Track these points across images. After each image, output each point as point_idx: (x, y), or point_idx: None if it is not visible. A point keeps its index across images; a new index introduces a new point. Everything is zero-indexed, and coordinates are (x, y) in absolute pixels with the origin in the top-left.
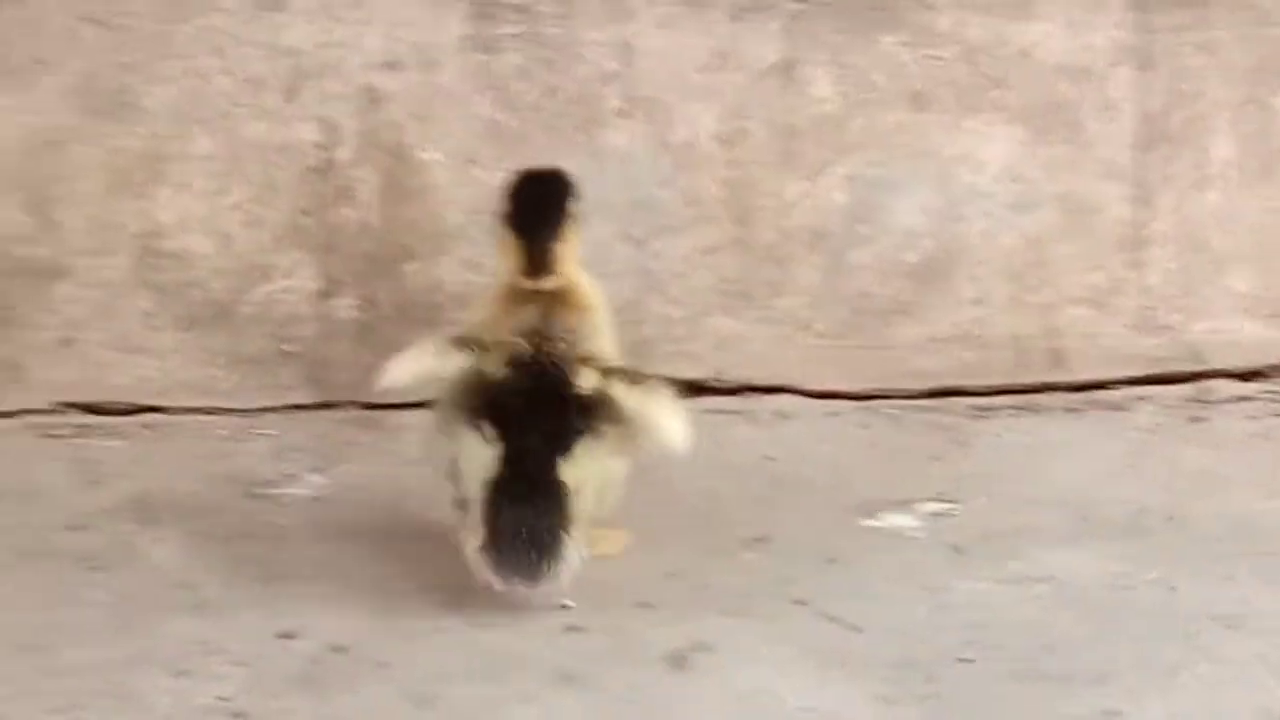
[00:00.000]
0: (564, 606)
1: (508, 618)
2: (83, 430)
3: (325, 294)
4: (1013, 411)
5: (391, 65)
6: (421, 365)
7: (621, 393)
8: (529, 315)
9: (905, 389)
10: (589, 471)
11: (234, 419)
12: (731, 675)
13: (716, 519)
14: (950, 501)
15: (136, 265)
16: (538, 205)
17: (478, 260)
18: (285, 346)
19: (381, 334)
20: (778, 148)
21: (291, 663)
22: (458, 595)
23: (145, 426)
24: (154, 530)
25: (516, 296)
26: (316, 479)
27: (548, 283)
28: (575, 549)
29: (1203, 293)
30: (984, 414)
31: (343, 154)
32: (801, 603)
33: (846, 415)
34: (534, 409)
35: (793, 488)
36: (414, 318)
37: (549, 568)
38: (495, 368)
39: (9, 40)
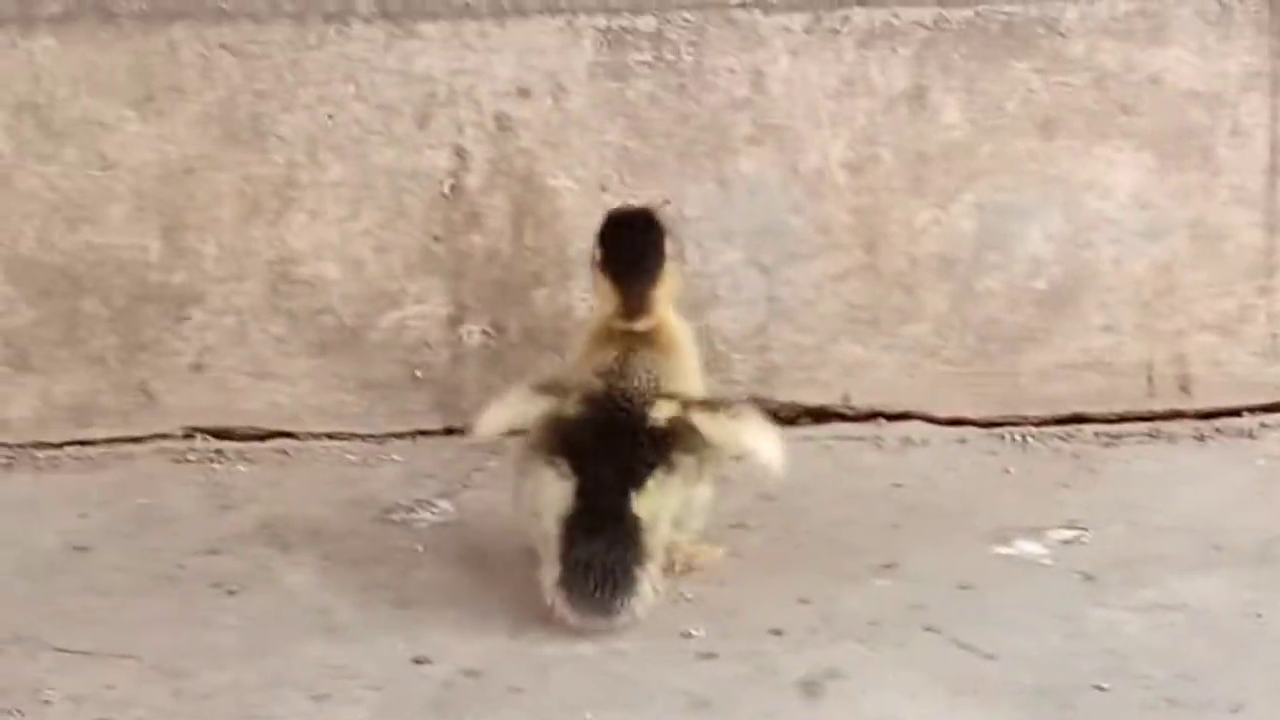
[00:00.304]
0: (691, 634)
1: (640, 644)
2: (214, 455)
3: (455, 320)
4: (1141, 439)
5: (523, 92)
6: (511, 412)
7: (703, 421)
8: (611, 354)
9: (1033, 416)
10: (662, 504)
11: (364, 444)
12: (863, 702)
13: (846, 545)
14: (1081, 529)
15: (268, 291)
16: (633, 249)
17: None
18: (415, 372)
19: (510, 360)
20: (907, 174)
21: (426, 687)
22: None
23: (276, 451)
24: (287, 555)
25: (609, 336)
26: (446, 504)
27: (641, 325)
28: (648, 582)
29: None
30: (1113, 441)
31: (473, 180)
32: (933, 630)
33: (974, 442)
34: (606, 444)
35: (922, 514)
36: (542, 344)
37: (621, 602)
38: (572, 407)
39: (147, 69)
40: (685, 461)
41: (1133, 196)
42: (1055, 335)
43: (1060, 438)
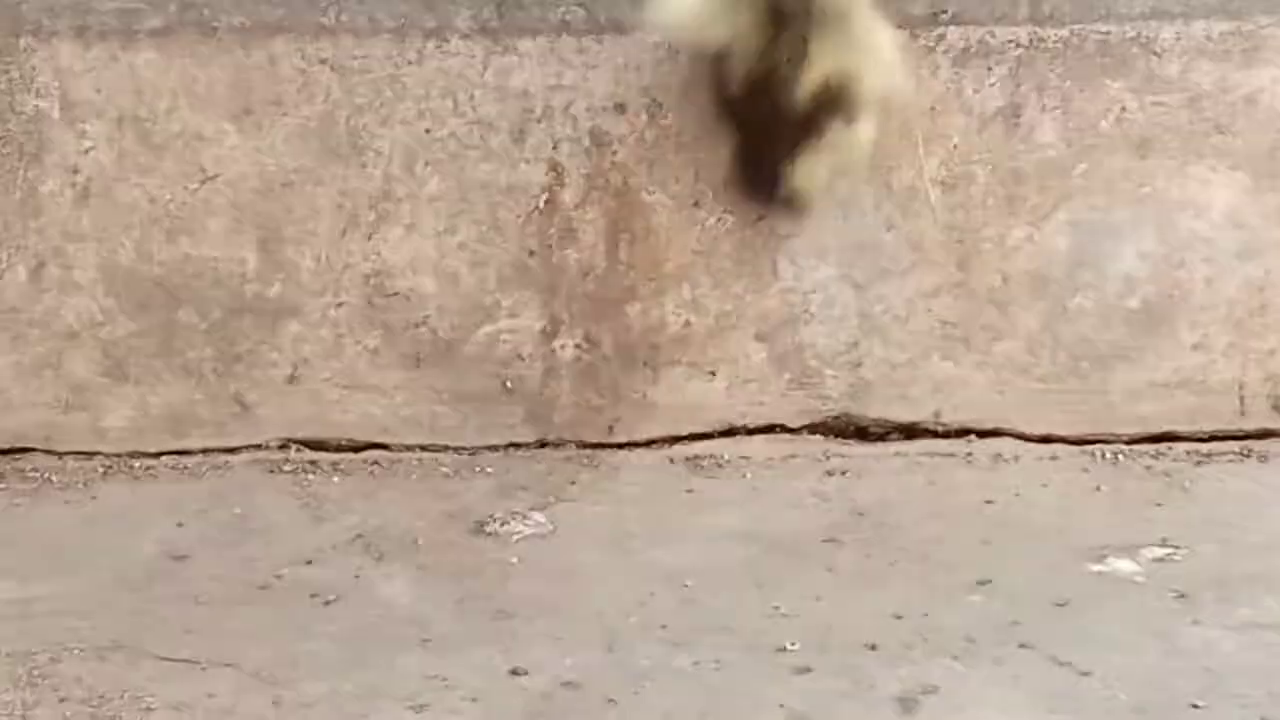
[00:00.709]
0: (786, 648)
1: (737, 656)
2: (309, 466)
3: (548, 334)
4: (1233, 458)
5: (619, 108)
6: None
7: None
8: None
9: (1125, 434)
10: None
11: (457, 457)
12: (959, 719)
13: (939, 562)
14: (1174, 547)
15: (364, 304)
16: None
17: (700, 301)
18: (506, 384)
19: (603, 374)
20: (1001, 192)
21: (524, 699)
22: (685, 635)
23: (370, 463)
24: (382, 566)
25: None
26: (539, 517)
27: None
28: None
29: None
30: (1204, 460)
31: (568, 196)
32: (1028, 646)
33: (1066, 459)
34: None
35: (1014, 531)
36: (635, 358)
37: None
38: None
39: (247, 83)
40: None
41: (1226, 216)
42: (1147, 353)
43: (1152, 456)
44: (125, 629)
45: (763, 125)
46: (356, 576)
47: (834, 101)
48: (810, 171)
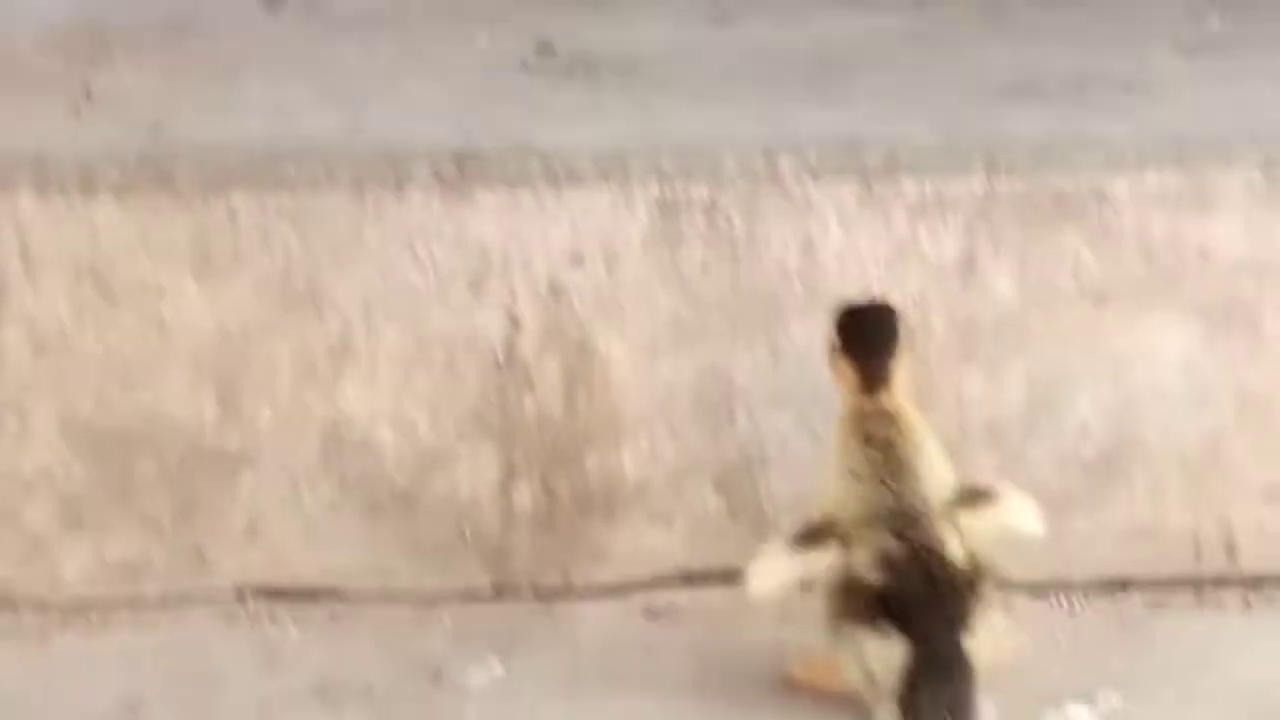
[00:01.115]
0: None
1: None
2: (265, 616)
3: (505, 483)
4: (1190, 606)
5: (576, 259)
6: (785, 569)
7: (968, 521)
8: (874, 468)
9: (1081, 580)
10: (986, 634)
11: (414, 606)
12: None
13: None
14: (1131, 694)
15: (321, 454)
16: (870, 326)
17: (657, 450)
18: (466, 534)
19: (560, 522)
20: (958, 343)
21: None
22: None
23: (327, 612)
24: (338, 716)
25: (857, 426)
26: (496, 666)
27: (884, 400)
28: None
29: None
30: (1160, 608)
31: (526, 346)
32: None
33: (1022, 606)
34: (926, 597)
35: None
36: (592, 507)
37: None
38: (867, 567)
39: (206, 235)
40: (989, 583)
41: (1181, 366)
42: (1103, 502)
43: (1108, 602)
44: None
45: None
46: None
47: None
48: None
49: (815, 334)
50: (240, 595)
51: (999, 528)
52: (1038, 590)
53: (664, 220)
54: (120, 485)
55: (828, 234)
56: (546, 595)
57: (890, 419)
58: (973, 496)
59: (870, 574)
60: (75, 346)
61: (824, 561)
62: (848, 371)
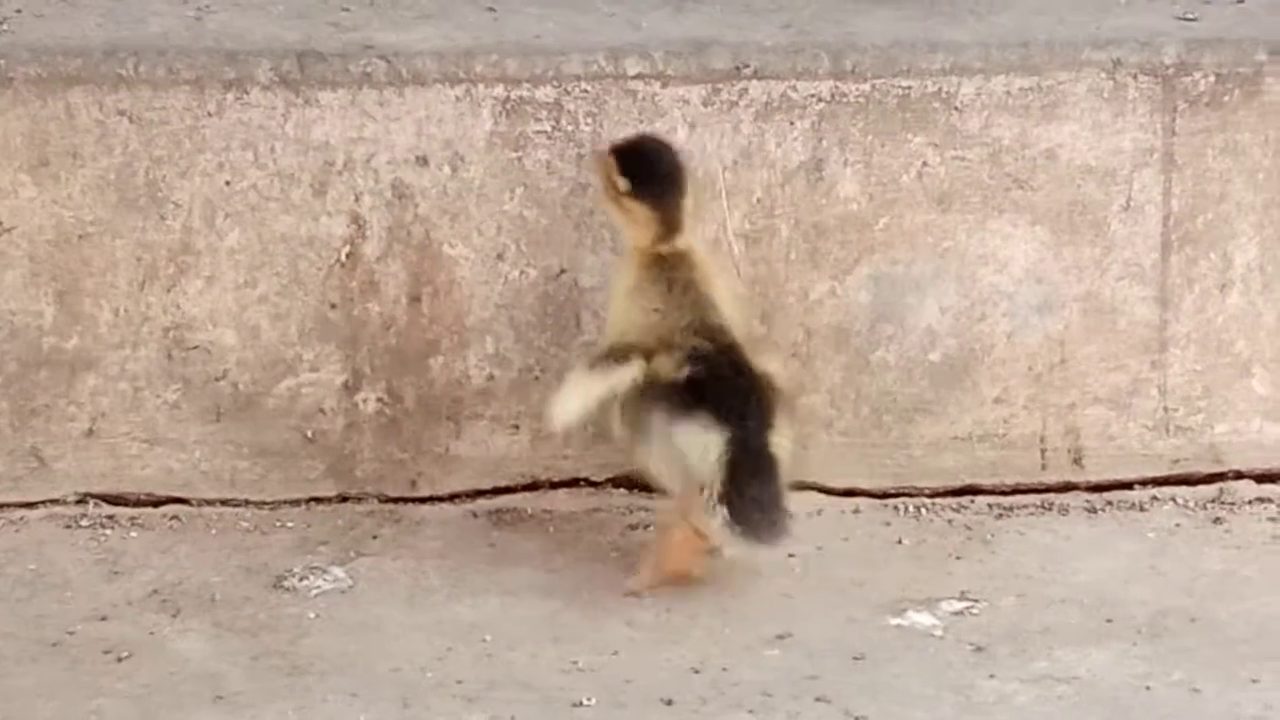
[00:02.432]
0: (583, 703)
1: (533, 711)
2: (106, 521)
3: (350, 387)
4: (1034, 511)
5: (421, 161)
6: (589, 392)
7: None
8: (659, 288)
9: (927, 487)
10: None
11: (257, 511)
12: None
13: (738, 615)
14: (974, 600)
15: (163, 358)
16: (660, 168)
17: (502, 355)
18: (307, 434)
19: (405, 428)
20: (804, 246)
21: None
22: (481, 690)
23: (169, 518)
24: (177, 621)
25: (648, 264)
26: (339, 571)
27: (680, 243)
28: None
29: (1224, 395)
30: (1005, 513)
31: (370, 248)
32: (825, 700)
33: (868, 513)
34: (738, 385)
35: (815, 585)
36: (437, 412)
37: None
38: (675, 368)
39: (44, 134)
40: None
41: (1027, 270)
42: (949, 407)
43: (953, 509)
44: None
45: None
46: (151, 633)
47: None
48: None
49: None
50: (81, 500)
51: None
52: (884, 497)
53: (509, 122)
54: None
55: (674, 136)
56: (391, 501)
57: (685, 259)
58: (748, 340)
59: (680, 370)
60: None
61: (628, 374)
62: (642, 216)
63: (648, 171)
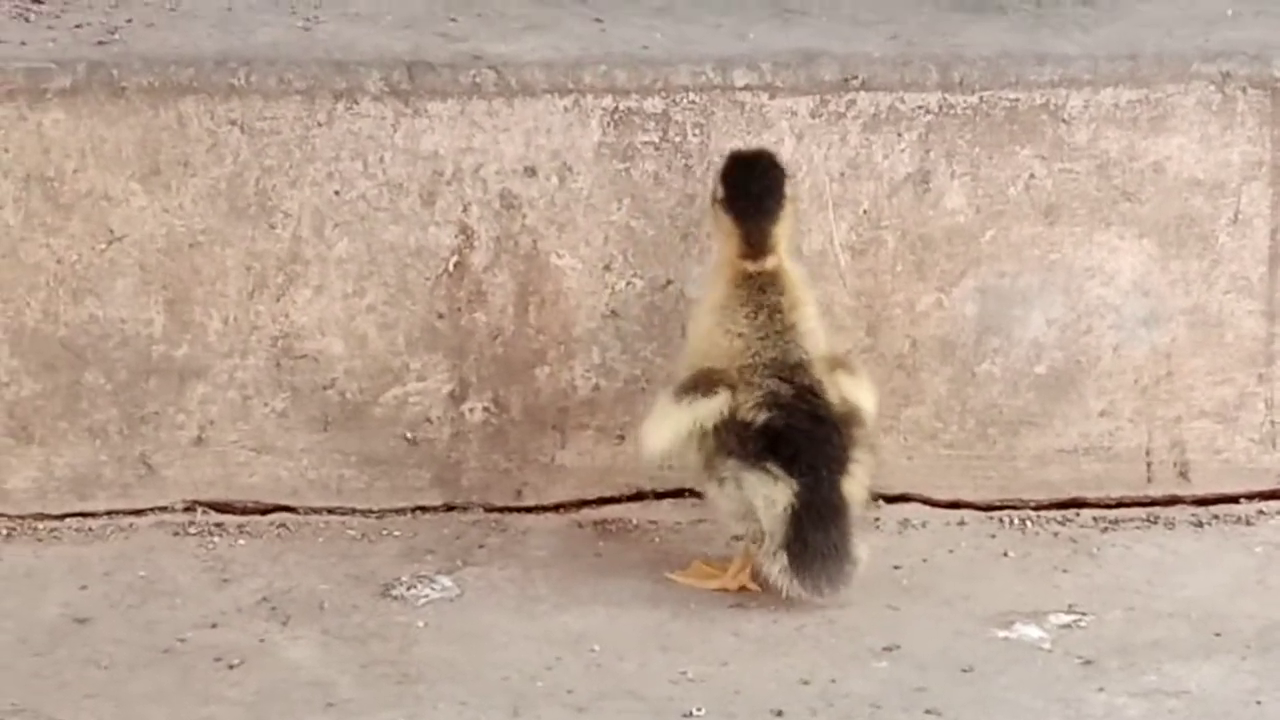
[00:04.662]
0: (692, 714)
1: None
2: (215, 529)
3: (457, 397)
4: (1140, 524)
5: (529, 171)
6: (679, 423)
7: (845, 384)
8: (759, 330)
9: (1032, 500)
10: (861, 475)
11: (364, 520)
12: None
13: (845, 626)
14: (1081, 614)
15: (272, 366)
16: (755, 187)
17: (608, 365)
18: (409, 438)
19: (511, 437)
20: (910, 258)
21: None
22: (591, 700)
23: (276, 526)
24: (287, 629)
25: (733, 280)
26: (446, 580)
27: (765, 264)
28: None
29: None
30: (1111, 526)
31: (478, 258)
32: (934, 712)
33: (973, 525)
34: (812, 435)
35: (920, 596)
36: (543, 421)
37: (849, 573)
38: (752, 409)
39: (155, 143)
40: (859, 429)
41: (1134, 283)
42: (1055, 420)
43: (1058, 522)
44: (26, 693)
45: None
46: (261, 640)
47: None
48: None
49: None
50: (189, 508)
51: (863, 404)
52: (989, 509)
53: (617, 132)
54: (68, 396)
55: (781, 147)
56: (496, 510)
57: (773, 281)
58: (835, 362)
59: (757, 414)
60: (23, 255)
61: (714, 407)
62: (731, 231)
63: (742, 185)
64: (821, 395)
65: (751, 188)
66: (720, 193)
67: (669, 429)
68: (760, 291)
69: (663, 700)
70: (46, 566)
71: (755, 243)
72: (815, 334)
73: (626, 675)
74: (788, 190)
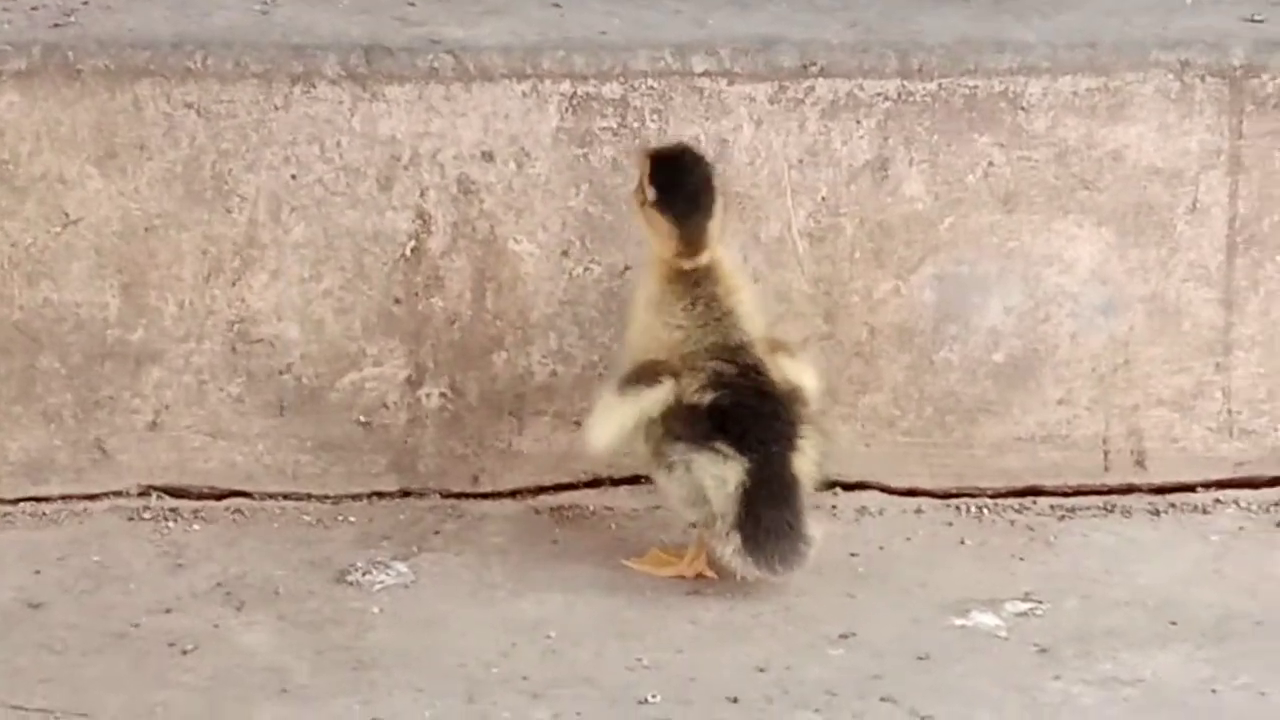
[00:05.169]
0: (648, 700)
1: (598, 708)
2: (170, 514)
3: (413, 382)
4: (1096, 512)
5: (486, 156)
6: (624, 416)
7: (786, 366)
8: (698, 320)
9: (989, 488)
10: (810, 458)
11: (320, 505)
12: None
13: (802, 614)
14: (1037, 601)
15: (227, 351)
16: (687, 184)
17: (566, 351)
18: (372, 434)
19: (467, 423)
20: (868, 245)
21: None
22: (547, 686)
23: (231, 511)
24: (242, 615)
25: (670, 278)
26: (402, 566)
27: (702, 259)
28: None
29: None
30: (1068, 514)
31: (435, 243)
32: (890, 700)
33: (930, 513)
34: (760, 412)
35: (878, 584)
36: (499, 407)
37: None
38: (698, 391)
39: (111, 126)
40: (805, 407)
41: (1092, 271)
42: (1012, 408)
43: (1015, 510)
44: None
45: None
46: (216, 625)
47: None
48: None
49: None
50: (144, 493)
51: (805, 385)
52: (946, 497)
53: (575, 118)
54: (22, 380)
55: (740, 134)
56: (453, 496)
57: (709, 274)
58: (774, 345)
59: (703, 396)
60: None
61: (658, 397)
62: (666, 230)
63: (676, 186)
64: (765, 374)
65: (685, 186)
66: (651, 195)
67: (614, 423)
68: (696, 285)
69: (618, 687)
70: (0, 552)
71: (693, 241)
72: (754, 317)
73: (582, 662)
74: (717, 181)
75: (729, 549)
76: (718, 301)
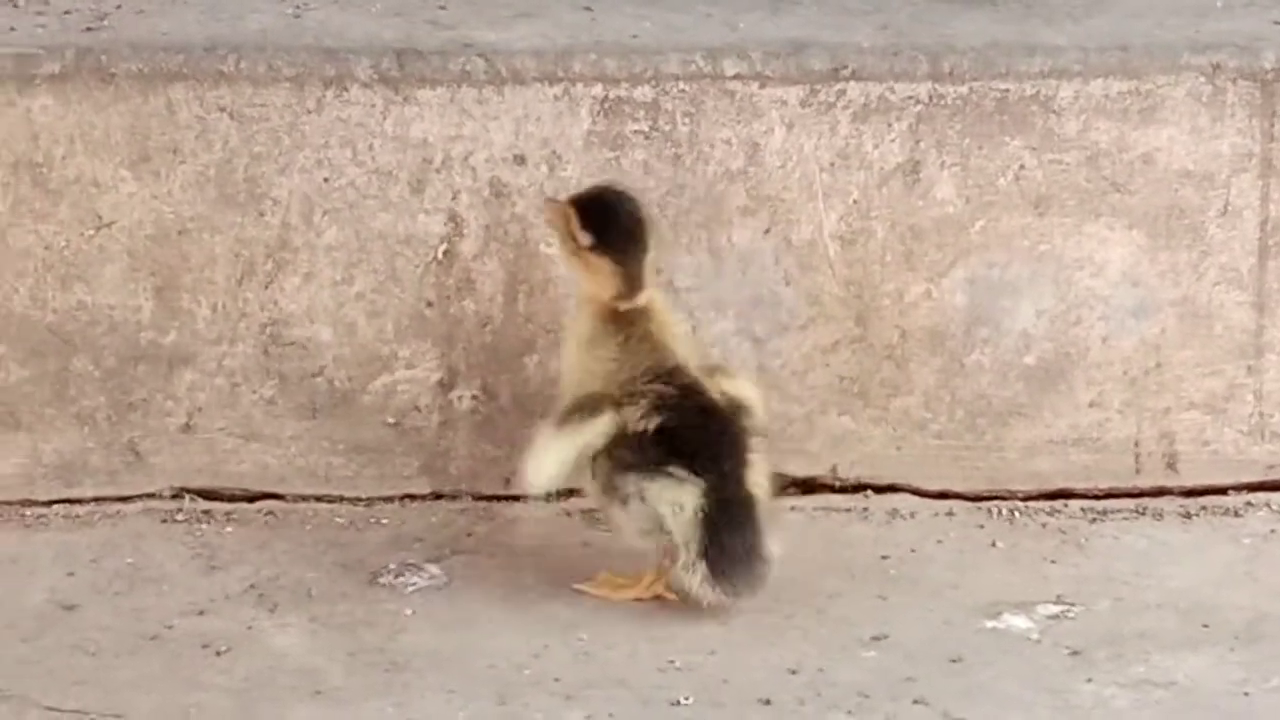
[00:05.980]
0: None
1: (630, 710)
2: (202, 516)
3: (445, 385)
4: (1128, 515)
5: (518, 159)
6: (563, 451)
7: (726, 385)
8: (615, 340)
9: (1021, 490)
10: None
11: (352, 507)
12: None
13: (834, 616)
14: (1068, 604)
15: (260, 353)
16: (623, 225)
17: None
18: (404, 436)
19: (499, 425)
20: (899, 248)
21: None
22: (579, 688)
23: (264, 513)
24: (275, 616)
25: (607, 318)
26: (434, 568)
27: (641, 300)
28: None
29: None
30: (1099, 517)
31: (467, 246)
32: (922, 702)
33: (962, 515)
34: (706, 429)
35: (910, 587)
36: (531, 410)
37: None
38: (643, 419)
39: (144, 129)
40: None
41: (1123, 274)
42: (1043, 411)
43: (1047, 513)
44: (13, 679)
45: None
46: (249, 627)
47: None
48: None
49: (758, 238)
50: (177, 495)
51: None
52: (977, 500)
53: (606, 121)
54: (56, 383)
55: (771, 137)
56: (485, 499)
57: (645, 314)
58: (709, 370)
59: (649, 421)
60: (11, 241)
61: (599, 428)
62: (605, 271)
63: (612, 226)
64: (705, 391)
65: (619, 225)
66: (586, 240)
67: (553, 459)
68: (630, 324)
69: (651, 689)
70: (33, 553)
71: (634, 279)
72: (686, 344)
73: (614, 664)
74: (650, 223)
75: (696, 579)
76: (651, 335)
